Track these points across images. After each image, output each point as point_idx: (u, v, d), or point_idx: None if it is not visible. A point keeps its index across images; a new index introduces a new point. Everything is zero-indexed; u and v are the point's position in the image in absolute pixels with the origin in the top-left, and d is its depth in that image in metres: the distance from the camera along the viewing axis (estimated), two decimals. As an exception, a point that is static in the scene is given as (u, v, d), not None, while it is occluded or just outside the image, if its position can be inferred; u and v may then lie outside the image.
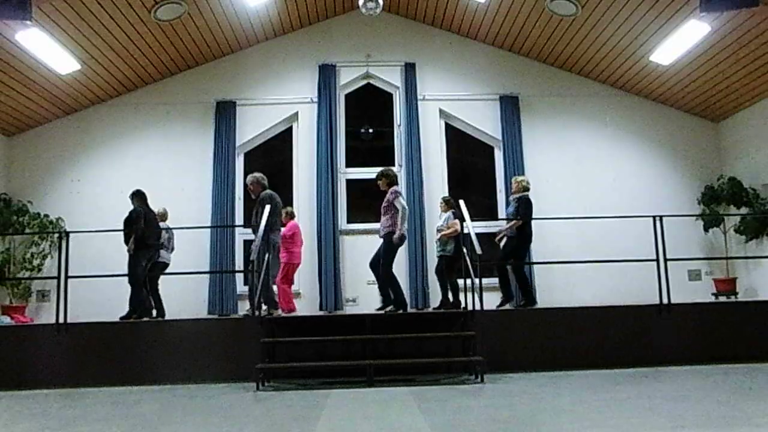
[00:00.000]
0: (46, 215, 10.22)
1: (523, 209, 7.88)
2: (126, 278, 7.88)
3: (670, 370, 6.56)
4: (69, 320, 6.99)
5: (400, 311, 7.26)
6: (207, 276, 10.05)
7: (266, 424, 4.24)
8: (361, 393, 5.63)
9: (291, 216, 9.17)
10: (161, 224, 8.68)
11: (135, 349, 6.86)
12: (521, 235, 7.86)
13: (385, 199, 7.49)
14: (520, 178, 8.28)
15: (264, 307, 7.32)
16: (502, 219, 10.61)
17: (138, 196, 8.23)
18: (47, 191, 10.52)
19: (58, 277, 7.18)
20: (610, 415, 4.17)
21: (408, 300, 10.13)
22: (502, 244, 8.19)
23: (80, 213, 10.32)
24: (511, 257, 7.92)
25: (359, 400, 5.23)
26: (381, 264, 7.38)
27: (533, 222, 7.99)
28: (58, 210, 10.33)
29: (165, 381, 6.69)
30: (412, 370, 6.89)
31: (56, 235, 9.62)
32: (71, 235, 7.56)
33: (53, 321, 6.95)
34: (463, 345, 6.86)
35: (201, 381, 6.67)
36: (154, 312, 8.29)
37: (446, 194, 9.74)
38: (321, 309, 9.97)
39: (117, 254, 9.81)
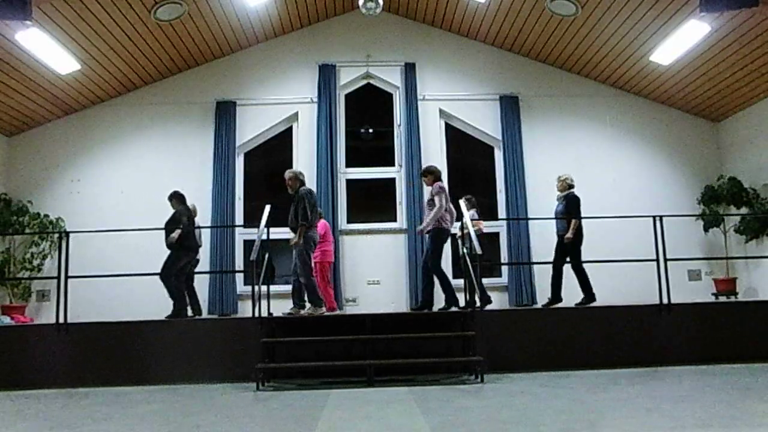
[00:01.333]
0: (46, 215, 10.22)
1: (573, 207, 7.93)
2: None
3: (671, 370, 6.56)
4: (69, 320, 6.99)
5: (453, 308, 7.32)
6: (207, 276, 10.04)
7: (266, 424, 4.24)
8: (361, 393, 5.63)
9: (320, 215, 9.23)
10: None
11: (135, 349, 6.86)
12: (574, 234, 7.86)
13: (429, 194, 7.69)
14: (563, 176, 8.28)
15: (308, 306, 7.40)
16: (503, 219, 10.65)
17: (177, 198, 8.20)
18: (47, 191, 10.52)
19: (58, 277, 7.18)
20: (610, 415, 4.17)
21: (408, 300, 10.20)
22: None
23: (80, 213, 10.32)
24: (567, 256, 7.92)
25: (359, 400, 5.24)
26: (429, 262, 7.50)
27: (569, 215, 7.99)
28: (58, 210, 10.33)
29: (165, 381, 6.69)
30: (412, 370, 6.89)
31: (56, 235, 9.62)
32: (71, 235, 7.56)
33: (53, 321, 6.96)
34: (463, 345, 6.86)
35: (201, 381, 6.67)
36: (190, 310, 8.20)
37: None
38: (321, 309, 9.96)
39: (117, 254, 9.88)
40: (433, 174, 7.85)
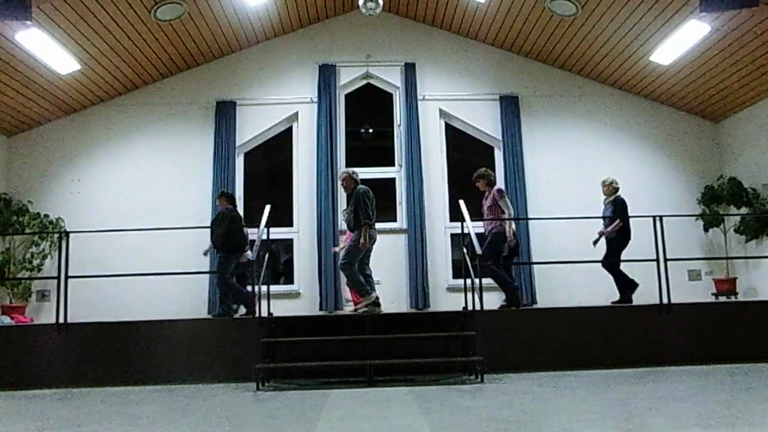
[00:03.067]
0: (46, 215, 10.21)
1: (620, 210, 8.03)
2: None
3: (671, 369, 6.56)
4: (69, 320, 6.99)
5: (512, 307, 7.45)
6: (207, 276, 10.04)
7: (266, 424, 4.24)
8: (361, 393, 5.63)
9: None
10: None
11: (135, 349, 6.86)
12: (621, 235, 7.98)
13: (489, 199, 7.85)
14: (609, 180, 8.33)
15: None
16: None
17: (225, 197, 8.31)
18: (47, 191, 10.51)
19: (58, 277, 7.18)
20: (610, 415, 4.17)
21: (408, 300, 10.19)
22: (597, 245, 8.21)
23: (80, 213, 10.32)
24: (614, 256, 8.01)
25: (359, 400, 5.24)
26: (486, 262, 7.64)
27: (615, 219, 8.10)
28: (58, 210, 10.32)
29: (165, 381, 6.70)
30: (412, 370, 6.89)
31: (56, 235, 9.62)
32: (71, 235, 7.56)
33: (53, 321, 6.96)
34: (463, 345, 6.87)
35: (201, 381, 6.67)
36: (243, 310, 8.22)
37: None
38: (321, 309, 9.96)
39: (117, 254, 9.88)
40: (486, 178, 8.00)
